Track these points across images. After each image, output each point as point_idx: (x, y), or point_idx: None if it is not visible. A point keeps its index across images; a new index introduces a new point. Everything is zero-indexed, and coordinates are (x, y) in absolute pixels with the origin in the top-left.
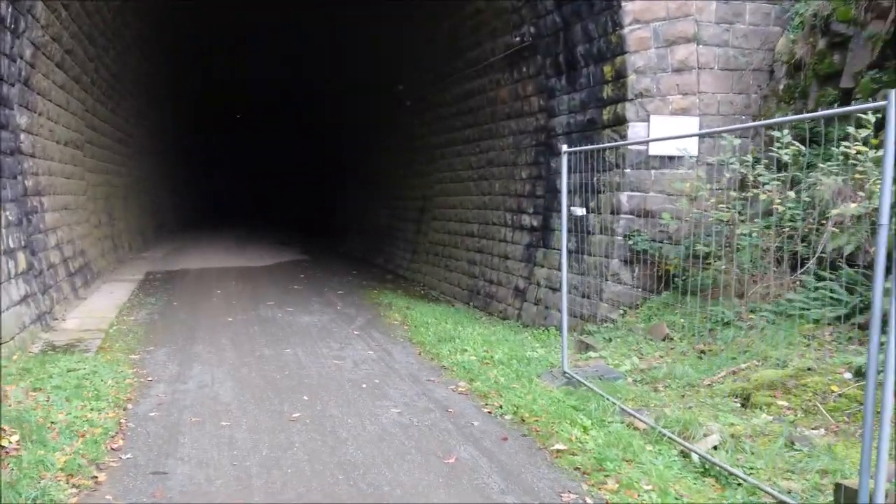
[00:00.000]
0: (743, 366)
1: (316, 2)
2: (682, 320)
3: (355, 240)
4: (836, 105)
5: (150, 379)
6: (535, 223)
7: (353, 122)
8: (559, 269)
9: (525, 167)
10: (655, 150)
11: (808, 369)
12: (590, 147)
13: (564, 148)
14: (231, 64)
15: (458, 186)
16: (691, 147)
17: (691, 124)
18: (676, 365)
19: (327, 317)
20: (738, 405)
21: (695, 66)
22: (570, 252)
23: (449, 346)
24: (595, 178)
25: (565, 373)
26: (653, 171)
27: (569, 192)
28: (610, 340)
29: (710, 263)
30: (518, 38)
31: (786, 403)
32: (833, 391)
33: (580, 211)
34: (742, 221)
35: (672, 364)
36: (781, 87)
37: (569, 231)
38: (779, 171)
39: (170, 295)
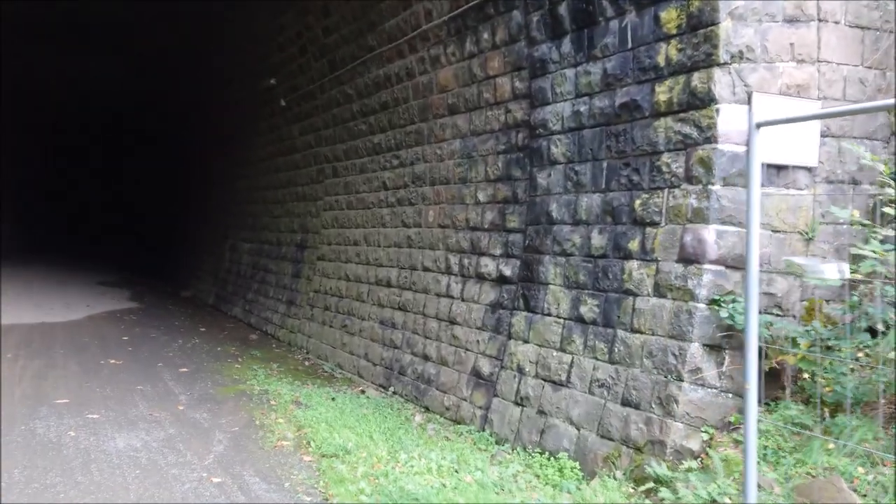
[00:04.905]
0: None
1: None
2: (861, 469)
3: (205, 281)
4: None
5: None
6: (506, 271)
7: (213, 130)
8: (560, 350)
9: (484, 186)
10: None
11: None
12: (802, 117)
13: (756, 117)
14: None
15: (363, 214)
16: (806, 154)
17: (810, 111)
18: None
19: (161, 433)
20: None
21: (814, 17)
22: (587, 323)
23: None
24: (637, 201)
25: None
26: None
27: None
28: (713, 502)
29: (842, 354)
30: None
31: None
32: None
33: (837, 270)
34: None
35: None
36: None
37: (578, 288)
38: None
39: None
